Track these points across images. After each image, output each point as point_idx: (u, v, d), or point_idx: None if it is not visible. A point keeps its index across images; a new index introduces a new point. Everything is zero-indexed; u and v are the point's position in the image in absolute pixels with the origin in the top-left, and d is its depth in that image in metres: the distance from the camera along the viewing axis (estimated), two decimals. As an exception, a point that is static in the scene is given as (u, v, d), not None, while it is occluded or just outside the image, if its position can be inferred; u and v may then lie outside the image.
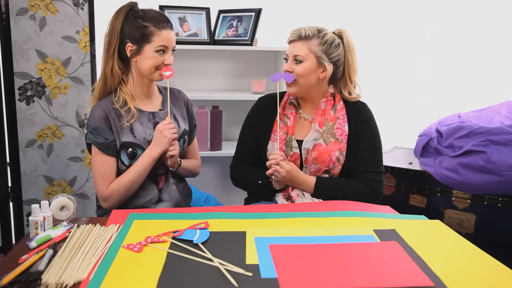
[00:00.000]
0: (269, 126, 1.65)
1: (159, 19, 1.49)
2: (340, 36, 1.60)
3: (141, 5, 1.56)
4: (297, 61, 1.55)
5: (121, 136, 1.51)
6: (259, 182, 1.60)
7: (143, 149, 1.52)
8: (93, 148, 1.51)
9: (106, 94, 1.56)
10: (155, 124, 1.54)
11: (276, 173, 1.52)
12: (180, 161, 1.60)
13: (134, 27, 1.48)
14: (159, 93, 1.66)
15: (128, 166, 1.51)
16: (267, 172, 1.55)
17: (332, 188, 1.56)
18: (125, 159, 1.51)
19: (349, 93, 1.65)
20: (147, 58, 1.49)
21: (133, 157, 1.51)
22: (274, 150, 1.57)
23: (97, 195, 1.53)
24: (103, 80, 1.54)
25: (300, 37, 1.55)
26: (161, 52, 1.49)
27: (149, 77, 1.52)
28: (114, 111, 1.51)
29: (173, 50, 1.54)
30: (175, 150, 1.53)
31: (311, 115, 1.65)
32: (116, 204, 1.51)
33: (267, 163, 1.55)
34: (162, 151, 1.50)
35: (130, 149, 1.51)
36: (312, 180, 1.57)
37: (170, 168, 1.58)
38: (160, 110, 1.60)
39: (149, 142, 1.52)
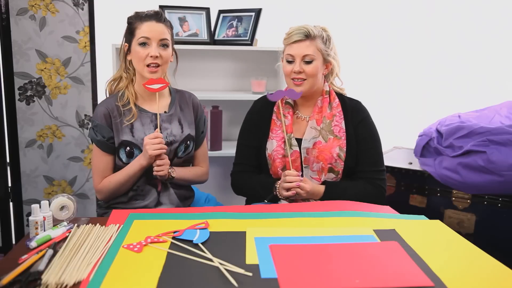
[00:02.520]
0: (267, 126, 1.66)
1: (145, 14, 1.50)
2: (325, 31, 1.61)
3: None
4: (308, 61, 1.54)
5: (121, 134, 1.52)
6: (265, 201, 1.56)
7: (140, 150, 1.52)
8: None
9: (118, 85, 1.60)
10: (156, 126, 1.53)
11: (297, 195, 1.50)
12: (173, 173, 1.55)
13: (126, 27, 1.54)
14: (169, 94, 1.64)
15: (125, 164, 1.53)
16: (286, 194, 1.49)
17: (340, 191, 1.56)
18: (123, 156, 1.53)
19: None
20: (134, 53, 1.50)
21: (130, 156, 1.53)
22: (288, 171, 1.50)
23: (93, 185, 1.59)
24: (119, 73, 1.60)
25: (306, 36, 1.54)
26: (144, 44, 1.47)
27: (141, 73, 1.52)
28: (116, 108, 1.53)
29: (166, 45, 1.50)
30: (162, 166, 1.47)
31: (308, 114, 1.65)
32: (107, 198, 1.55)
33: (285, 186, 1.49)
34: (147, 164, 1.48)
35: (128, 148, 1.52)
36: (322, 188, 1.56)
37: (162, 180, 1.55)
38: (165, 112, 1.59)
39: None
